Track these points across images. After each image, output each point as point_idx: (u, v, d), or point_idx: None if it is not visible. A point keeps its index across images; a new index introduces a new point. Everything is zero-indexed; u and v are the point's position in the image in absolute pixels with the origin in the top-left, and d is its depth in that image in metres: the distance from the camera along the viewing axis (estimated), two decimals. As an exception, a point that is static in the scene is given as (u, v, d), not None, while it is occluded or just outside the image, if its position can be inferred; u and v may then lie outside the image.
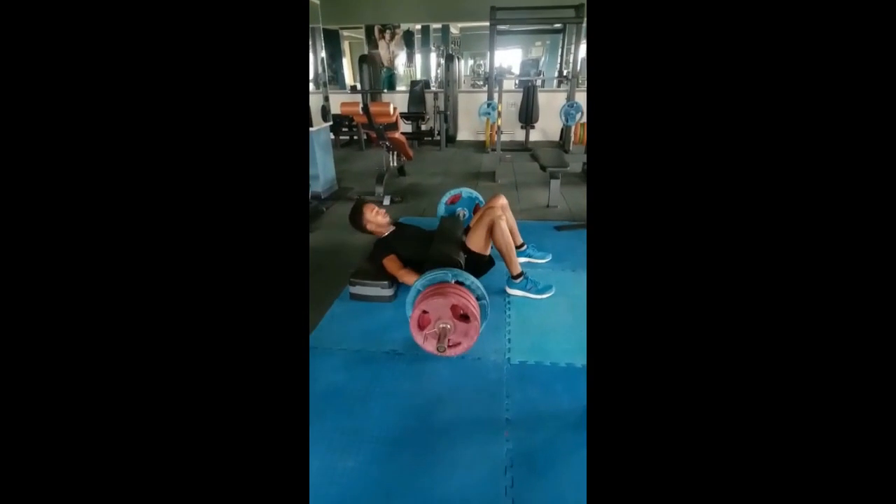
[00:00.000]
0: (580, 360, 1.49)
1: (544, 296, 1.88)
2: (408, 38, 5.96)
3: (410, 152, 3.90)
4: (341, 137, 5.58)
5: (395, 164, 3.76)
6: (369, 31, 5.77)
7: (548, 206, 3.16)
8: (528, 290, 1.88)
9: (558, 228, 2.69)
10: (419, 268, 1.83)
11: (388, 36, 5.76)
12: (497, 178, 3.91)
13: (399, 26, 5.75)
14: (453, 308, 1.43)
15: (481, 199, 2.50)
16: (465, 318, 1.45)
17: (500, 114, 3.84)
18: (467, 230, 2.05)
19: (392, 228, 2.08)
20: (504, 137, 5.81)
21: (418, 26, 5.82)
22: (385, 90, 5.92)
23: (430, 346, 1.49)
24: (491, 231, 1.83)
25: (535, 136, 5.62)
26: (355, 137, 5.51)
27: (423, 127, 5.75)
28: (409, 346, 1.55)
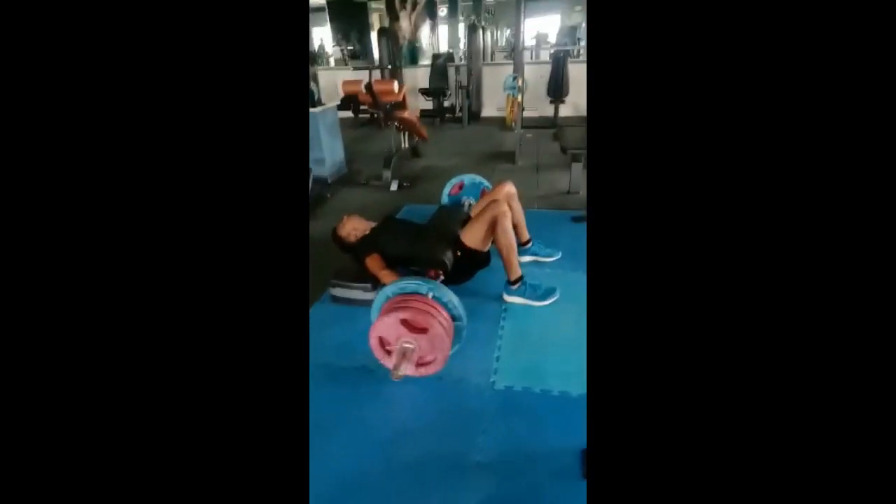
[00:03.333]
0: (578, 387, 1.26)
1: (546, 302, 1.64)
2: (431, 9, 5.59)
3: (424, 132, 3.65)
4: (361, 116, 5.38)
5: (407, 145, 3.53)
6: (390, 3, 5.45)
7: (568, 192, 2.85)
8: (528, 297, 1.65)
9: (575, 220, 2.40)
10: (407, 267, 1.64)
11: (409, 7, 5.42)
12: (517, 160, 3.60)
13: (420, -5, 5.40)
14: (420, 325, 1.23)
15: (487, 183, 2.25)
16: (432, 336, 1.24)
17: (520, 89, 3.49)
18: (468, 220, 1.83)
19: (374, 225, 1.88)
20: (531, 113, 5.42)
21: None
22: (407, 65, 5.64)
23: (389, 364, 1.30)
24: (493, 229, 1.60)
25: (565, 111, 5.18)
26: (376, 116, 5.30)
27: (446, 103, 5.45)
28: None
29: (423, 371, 1.27)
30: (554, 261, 1.98)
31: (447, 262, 1.60)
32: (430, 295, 1.29)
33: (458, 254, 1.66)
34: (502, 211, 1.57)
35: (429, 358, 1.25)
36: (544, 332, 1.52)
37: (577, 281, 1.81)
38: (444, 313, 1.26)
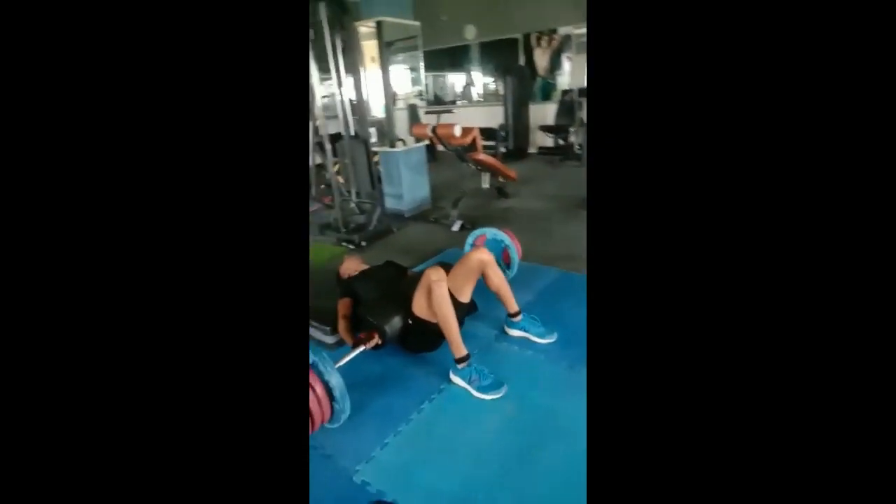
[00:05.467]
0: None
1: (487, 396, 1.38)
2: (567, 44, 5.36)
3: (511, 173, 3.51)
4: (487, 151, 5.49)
5: (487, 185, 3.45)
6: (526, 40, 5.46)
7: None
8: (471, 384, 1.42)
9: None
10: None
11: (544, 43, 5.33)
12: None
13: (556, 31, 5.24)
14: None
15: (509, 241, 2.03)
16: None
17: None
18: None
19: (362, 269, 1.90)
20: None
21: (576, 31, 5.16)
22: (538, 101, 5.53)
23: None
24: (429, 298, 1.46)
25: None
26: (503, 149, 5.31)
27: (571, 140, 5.12)
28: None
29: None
30: (547, 343, 1.65)
31: (387, 328, 1.51)
32: (316, 367, 1.24)
33: (410, 322, 1.55)
34: (435, 279, 1.41)
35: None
36: (457, 430, 1.28)
37: (551, 377, 1.48)
38: (319, 388, 1.19)
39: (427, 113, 3.72)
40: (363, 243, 2.89)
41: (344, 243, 2.92)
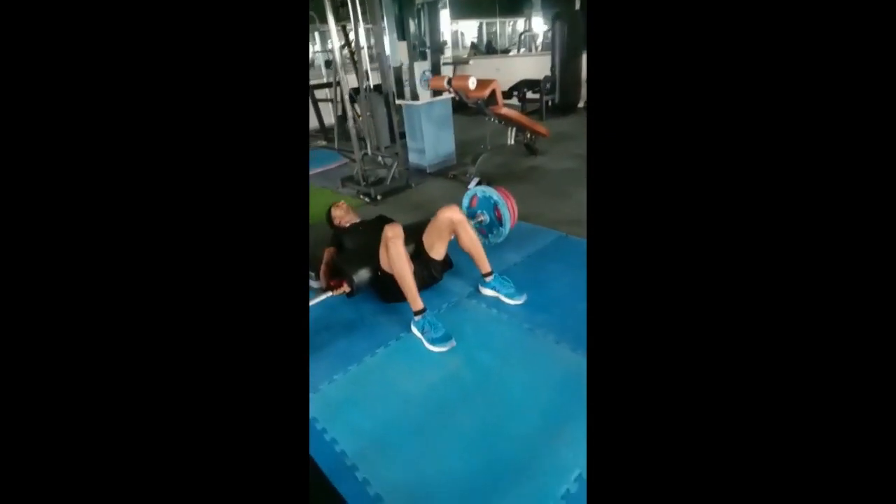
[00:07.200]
0: (351, 446, 1.13)
1: (435, 348, 1.44)
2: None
3: (541, 128, 3.33)
4: (528, 105, 5.21)
5: (512, 140, 3.31)
6: (583, -21, 4.92)
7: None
8: (424, 335, 1.48)
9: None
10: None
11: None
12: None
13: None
14: None
15: (497, 197, 1.99)
16: None
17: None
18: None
19: (354, 221, 1.98)
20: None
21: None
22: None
23: None
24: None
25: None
26: (550, 103, 5.00)
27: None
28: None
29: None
30: (516, 304, 1.65)
31: (354, 278, 1.60)
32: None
33: (380, 273, 1.63)
34: (391, 236, 1.45)
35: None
36: (398, 377, 1.36)
37: (505, 338, 1.49)
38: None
39: (445, 64, 3.57)
40: (378, 197, 2.97)
41: (362, 196, 3.02)
